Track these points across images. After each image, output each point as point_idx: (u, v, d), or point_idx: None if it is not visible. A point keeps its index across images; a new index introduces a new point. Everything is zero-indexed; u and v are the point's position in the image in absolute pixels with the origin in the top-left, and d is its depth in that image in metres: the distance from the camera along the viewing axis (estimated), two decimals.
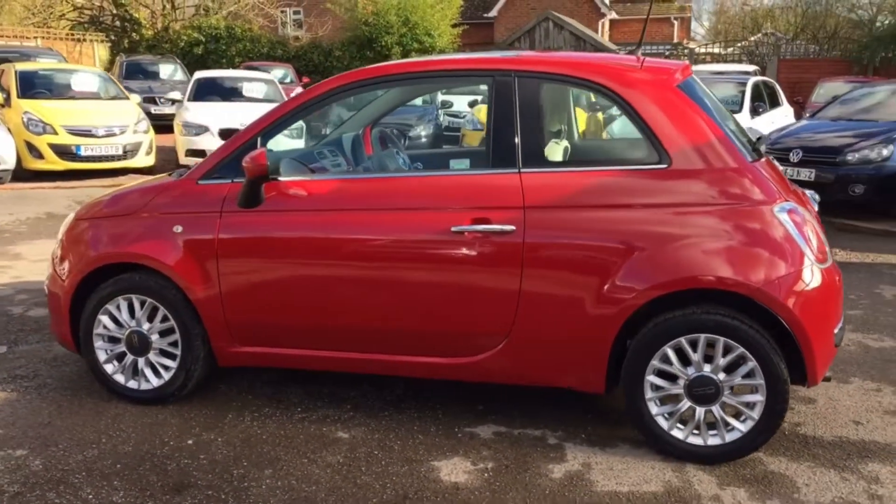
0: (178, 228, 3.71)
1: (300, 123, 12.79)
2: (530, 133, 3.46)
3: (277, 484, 3.21)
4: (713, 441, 3.34)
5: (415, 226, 3.47)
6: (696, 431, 3.36)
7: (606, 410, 3.87)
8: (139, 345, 3.86)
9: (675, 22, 33.05)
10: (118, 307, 3.85)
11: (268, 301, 3.66)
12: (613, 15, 32.33)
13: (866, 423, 3.77)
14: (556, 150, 3.99)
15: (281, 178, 3.60)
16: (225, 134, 12.00)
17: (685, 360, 3.32)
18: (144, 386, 3.89)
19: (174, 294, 3.75)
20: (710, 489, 3.17)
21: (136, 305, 3.83)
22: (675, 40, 31.83)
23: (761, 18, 34.56)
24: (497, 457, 3.43)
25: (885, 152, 8.92)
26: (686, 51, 25.64)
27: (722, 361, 3.27)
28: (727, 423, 3.32)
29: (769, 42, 25.59)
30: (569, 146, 4.38)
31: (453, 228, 3.41)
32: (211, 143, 12.01)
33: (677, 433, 3.37)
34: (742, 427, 3.30)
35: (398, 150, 4.81)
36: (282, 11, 30.48)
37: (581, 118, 7.76)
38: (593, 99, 8.64)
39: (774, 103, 13.07)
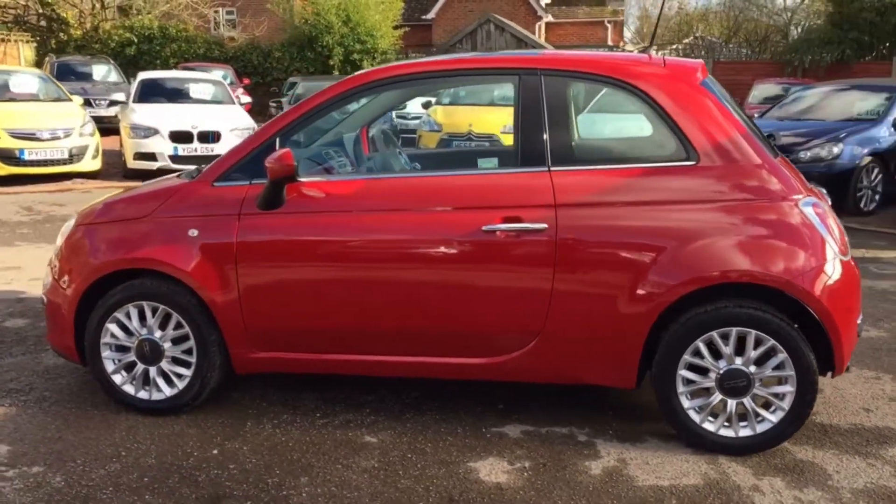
0: (194, 232, 3.59)
1: (252, 123, 12.61)
2: (558, 131, 3.46)
3: (317, 491, 3.13)
4: (744, 433, 3.39)
5: (445, 225, 3.43)
6: (726, 424, 3.41)
7: (625, 406, 3.91)
8: (151, 353, 3.71)
9: (609, 25, 33.70)
10: (127, 315, 3.70)
11: (291, 305, 3.56)
12: (549, 18, 32.75)
13: (875, 410, 3.90)
14: None
15: (301, 179, 3.52)
16: (176, 136, 11.68)
17: (716, 354, 3.38)
18: (156, 396, 3.75)
19: (189, 300, 3.62)
20: (748, 480, 3.23)
21: (148, 313, 3.69)
22: (610, 43, 32.44)
23: (695, 21, 35.62)
24: (532, 455, 3.42)
25: (835, 150, 9.29)
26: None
27: (753, 354, 3.33)
28: (758, 415, 3.38)
29: (702, 45, 26.34)
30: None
31: (484, 228, 3.38)
32: (161, 145, 11.68)
33: (709, 426, 3.42)
34: (773, 418, 3.37)
35: (399, 151, 4.76)
36: (215, 12, 29.88)
37: None
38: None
39: None
